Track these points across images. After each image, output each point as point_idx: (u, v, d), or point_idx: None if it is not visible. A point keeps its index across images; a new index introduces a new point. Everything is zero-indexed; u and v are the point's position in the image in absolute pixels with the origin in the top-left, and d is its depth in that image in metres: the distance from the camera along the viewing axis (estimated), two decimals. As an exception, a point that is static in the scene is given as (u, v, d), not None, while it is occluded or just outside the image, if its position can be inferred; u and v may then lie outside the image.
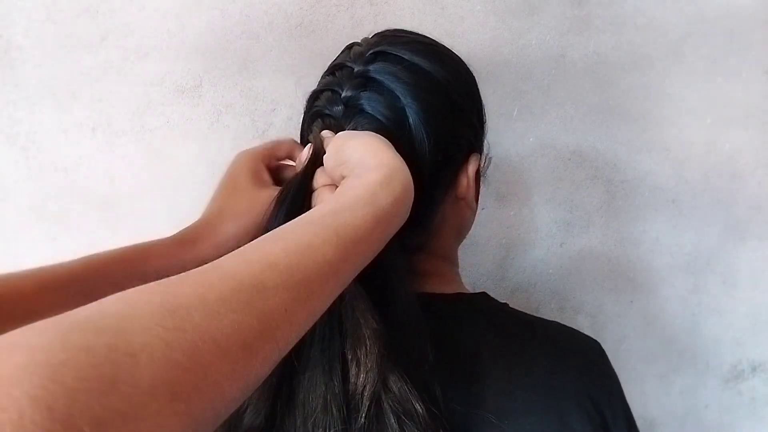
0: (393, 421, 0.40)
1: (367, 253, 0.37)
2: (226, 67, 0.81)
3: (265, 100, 0.82)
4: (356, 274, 0.37)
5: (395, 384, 0.41)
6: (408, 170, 0.42)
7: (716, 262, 0.97)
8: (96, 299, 0.30)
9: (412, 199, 0.42)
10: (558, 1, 0.86)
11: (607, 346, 0.52)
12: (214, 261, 0.31)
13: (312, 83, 0.57)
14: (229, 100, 0.82)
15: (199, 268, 0.30)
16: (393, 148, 0.44)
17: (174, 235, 0.50)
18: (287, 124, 0.83)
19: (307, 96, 0.56)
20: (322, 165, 0.48)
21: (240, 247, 0.37)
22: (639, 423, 0.50)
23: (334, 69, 0.53)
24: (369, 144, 0.44)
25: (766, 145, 0.94)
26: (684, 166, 0.93)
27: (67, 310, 0.28)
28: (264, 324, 0.28)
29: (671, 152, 0.93)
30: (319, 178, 0.48)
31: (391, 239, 0.41)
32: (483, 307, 0.53)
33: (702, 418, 1.01)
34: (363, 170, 0.41)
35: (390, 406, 0.41)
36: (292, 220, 0.36)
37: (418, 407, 0.41)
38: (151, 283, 0.27)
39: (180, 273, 0.36)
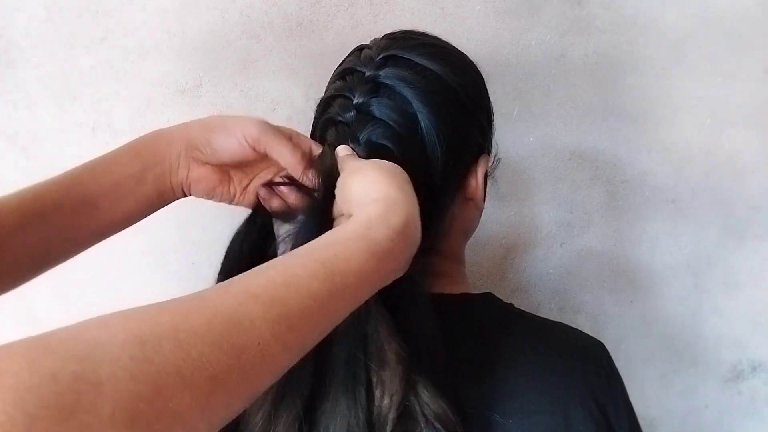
0: (429, 430, 0.40)
1: (361, 289, 0.36)
2: (226, 67, 0.81)
3: (265, 100, 0.82)
4: (349, 311, 0.36)
5: (423, 392, 0.41)
6: (413, 202, 0.41)
7: (716, 262, 0.97)
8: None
9: (418, 233, 0.40)
10: (558, 1, 0.86)
11: (607, 346, 0.52)
12: (199, 291, 0.31)
13: (312, 83, 0.57)
14: (229, 100, 0.82)
15: (183, 296, 0.30)
16: (400, 177, 0.43)
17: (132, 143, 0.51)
18: (287, 124, 0.82)
19: (311, 98, 0.56)
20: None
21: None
22: (639, 423, 0.50)
23: (345, 74, 0.53)
24: (371, 178, 0.43)
25: (766, 145, 0.94)
26: (684, 166, 0.93)
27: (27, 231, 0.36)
28: (235, 358, 0.28)
29: (671, 152, 0.93)
30: (336, 208, 0.47)
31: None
32: (489, 307, 0.53)
33: (702, 418, 1.01)
34: (363, 206, 0.41)
35: (425, 415, 0.40)
36: (287, 253, 0.35)
37: (450, 413, 0.41)
38: (134, 309, 0.28)
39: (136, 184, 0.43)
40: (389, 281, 0.39)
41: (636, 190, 0.93)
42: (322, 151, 0.51)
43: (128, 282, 0.84)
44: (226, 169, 0.52)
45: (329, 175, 0.48)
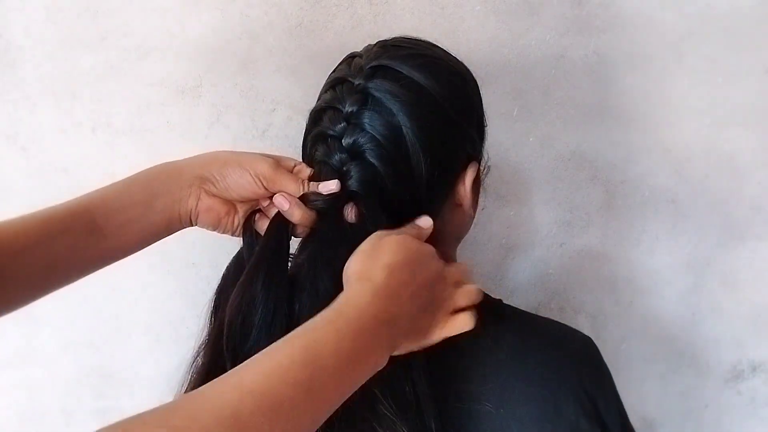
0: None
1: (342, 369, 0.36)
2: (226, 67, 0.81)
3: (265, 100, 0.82)
4: (342, 393, 0.37)
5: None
6: (399, 281, 0.42)
7: (716, 262, 0.97)
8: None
9: (398, 312, 0.41)
10: (558, 1, 0.86)
11: (607, 346, 0.53)
12: (202, 387, 0.33)
13: (312, 83, 0.57)
14: (229, 100, 0.82)
15: (184, 395, 0.33)
16: (399, 255, 0.43)
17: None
18: (287, 124, 0.83)
19: (311, 98, 0.56)
20: None
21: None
22: (639, 423, 0.51)
23: (335, 83, 0.53)
24: (363, 257, 0.44)
25: (766, 145, 0.94)
26: (684, 166, 0.93)
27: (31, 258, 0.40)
28: None
29: (671, 152, 0.93)
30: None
31: None
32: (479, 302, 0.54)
33: (702, 418, 1.01)
34: (349, 284, 0.42)
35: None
36: (280, 339, 0.37)
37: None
38: (144, 414, 0.30)
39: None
40: (377, 360, 0.39)
41: (636, 190, 0.93)
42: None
43: (128, 282, 0.84)
44: (233, 201, 0.53)
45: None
